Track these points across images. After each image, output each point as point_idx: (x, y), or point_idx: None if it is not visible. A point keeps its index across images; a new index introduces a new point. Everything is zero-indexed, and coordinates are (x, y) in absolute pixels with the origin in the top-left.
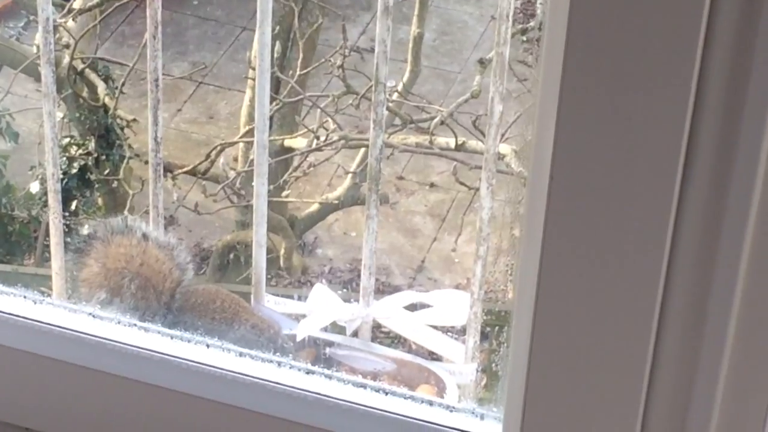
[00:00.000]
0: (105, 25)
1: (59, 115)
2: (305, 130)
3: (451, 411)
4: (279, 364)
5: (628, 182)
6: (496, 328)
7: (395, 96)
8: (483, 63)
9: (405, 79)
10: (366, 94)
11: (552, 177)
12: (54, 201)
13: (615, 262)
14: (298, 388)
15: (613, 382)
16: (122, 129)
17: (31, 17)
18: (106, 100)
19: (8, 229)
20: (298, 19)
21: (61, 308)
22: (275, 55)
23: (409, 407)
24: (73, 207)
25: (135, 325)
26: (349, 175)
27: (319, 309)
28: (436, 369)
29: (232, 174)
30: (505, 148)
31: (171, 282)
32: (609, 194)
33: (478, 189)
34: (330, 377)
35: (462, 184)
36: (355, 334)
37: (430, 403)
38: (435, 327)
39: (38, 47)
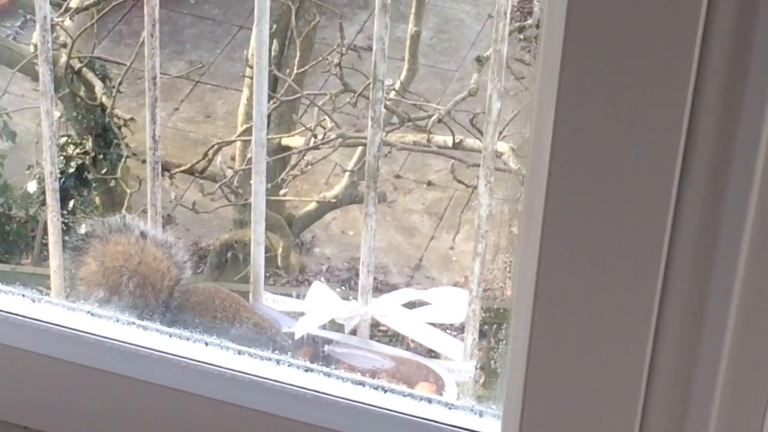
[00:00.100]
0: (102, 24)
1: (56, 114)
2: (303, 128)
3: (450, 408)
4: (278, 362)
5: (626, 179)
6: (494, 325)
7: (392, 94)
8: (480, 61)
9: (402, 77)
10: (363, 92)
11: (550, 174)
12: (52, 200)
13: (613, 259)
14: (297, 386)
15: (611, 380)
16: (119, 128)
17: (29, 16)
18: (104, 99)
19: (6, 229)
20: (295, 18)
21: (59, 306)
22: (272, 54)
23: (408, 405)
24: (70, 206)
25: (133, 323)
26: (347, 174)
27: (317, 307)
28: (435, 366)
29: (229, 173)
30: (502, 146)
31: (169, 280)
32: (607, 191)
33: (475, 187)
34: (329, 375)
35: (459, 182)
36: (353, 332)
37: (429, 401)
38: (433, 324)
39: (35, 46)
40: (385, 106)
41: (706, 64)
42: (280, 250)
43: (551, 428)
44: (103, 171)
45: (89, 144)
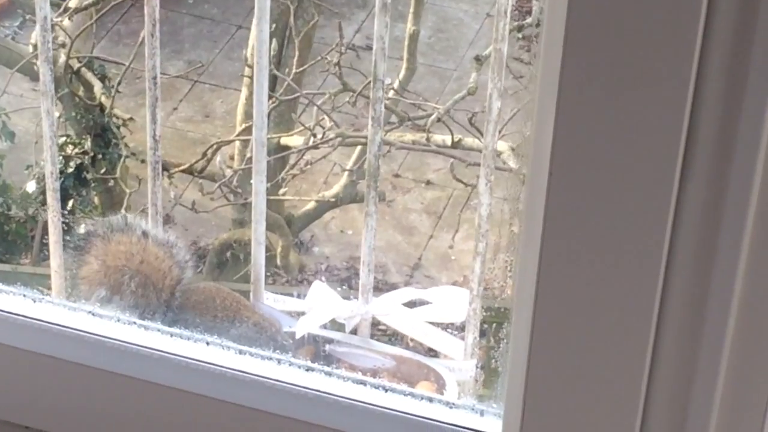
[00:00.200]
0: (100, 24)
1: (56, 114)
2: (302, 127)
3: (451, 407)
4: (279, 361)
5: (627, 178)
6: (495, 324)
7: (391, 93)
8: (479, 60)
9: (401, 76)
10: (363, 91)
11: (551, 173)
12: (53, 199)
13: (614, 258)
14: (298, 386)
15: (612, 379)
16: (118, 128)
17: (27, 16)
18: (103, 99)
19: (5, 229)
20: (294, 17)
21: (60, 306)
22: (271, 53)
23: (409, 404)
24: (69, 206)
25: (134, 323)
26: (346, 173)
27: (318, 306)
28: (436, 366)
29: (228, 172)
30: (501, 145)
31: (171, 280)
32: (608, 190)
33: (474, 186)
34: (330, 374)
35: (459, 180)
36: (354, 331)
37: (430, 400)
38: (434, 324)
39: (34, 46)
40: (385, 106)
41: (707, 62)
42: (279, 250)
43: (552, 427)
44: (102, 171)
45: (88, 144)
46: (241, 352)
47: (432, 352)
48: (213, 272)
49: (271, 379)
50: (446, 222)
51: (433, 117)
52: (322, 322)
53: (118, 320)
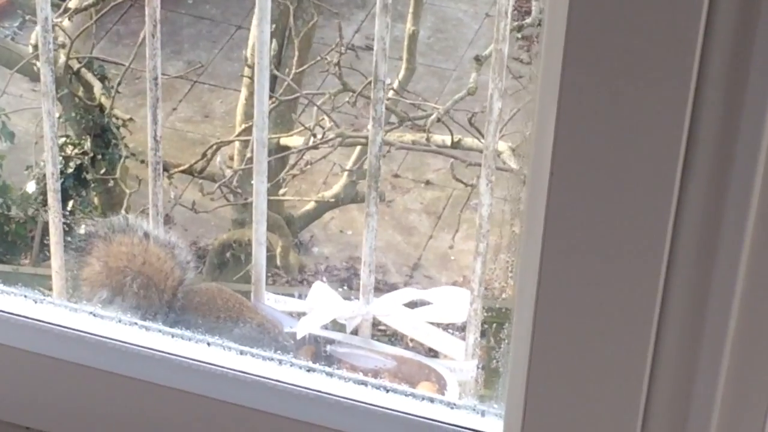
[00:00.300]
0: (100, 24)
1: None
2: (302, 128)
3: (452, 408)
4: (280, 362)
5: (628, 178)
6: (496, 324)
7: (391, 93)
8: (479, 60)
9: (400, 76)
10: (362, 91)
11: (552, 173)
12: (54, 200)
13: (615, 258)
14: (299, 386)
15: (613, 379)
16: (118, 128)
17: (27, 17)
18: (102, 99)
19: (5, 230)
20: (294, 18)
21: (61, 307)
22: (271, 53)
23: (410, 404)
24: (69, 206)
25: (136, 323)
26: (346, 173)
27: (319, 307)
28: (437, 366)
29: (228, 173)
30: (501, 146)
31: (173, 281)
32: (609, 190)
33: (474, 186)
34: (331, 375)
35: (459, 181)
36: (355, 331)
37: (431, 400)
38: (435, 324)
39: (34, 47)
40: (385, 106)
41: (708, 62)
42: (279, 250)
43: (553, 427)
44: (102, 171)
45: (88, 144)
46: (242, 352)
47: (433, 353)
48: (213, 273)
49: (272, 379)
50: (446, 222)
51: (432, 117)
52: (323, 323)
53: (120, 321)
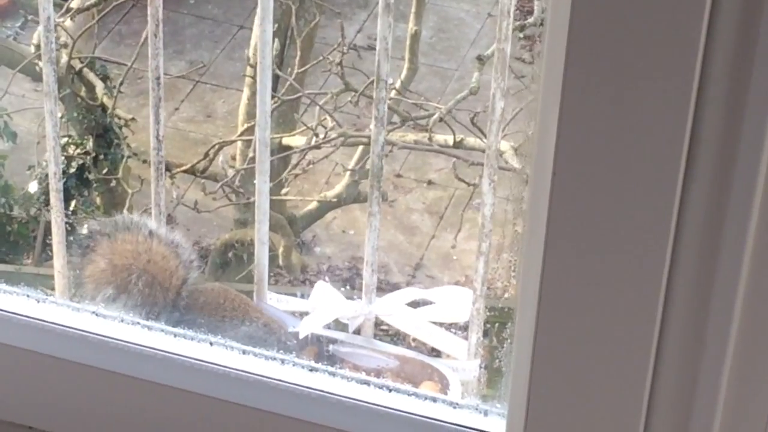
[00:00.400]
0: (102, 24)
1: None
2: (304, 127)
3: (455, 407)
4: (282, 361)
5: (630, 177)
6: (497, 324)
7: (393, 93)
8: (481, 60)
9: (402, 76)
10: (365, 91)
11: (554, 173)
12: (56, 200)
13: (618, 257)
14: (302, 386)
15: (616, 378)
16: (120, 128)
17: (29, 17)
18: (105, 99)
19: (7, 229)
20: (296, 17)
21: (64, 307)
22: (273, 53)
23: (413, 404)
24: (71, 206)
25: (138, 323)
26: (348, 173)
27: (321, 306)
28: (439, 366)
29: (231, 172)
30: (503, 145)
31: (177, 279)
32: (612, 189)
33: (476, 186)
34: (333, 374)
35: (461, 180)
36: (357, 331)
37: (434, 400)
38: (437, 324)
39: (36, 47)
40: (387, 105)
41: (710, 62)
42: (281, 250)
43: (556, 427)
44: (104, 171)
45: (90, 144)
46: (244, 352)
47: (435, 352)
48: (215, 272)
49: (274, 379)
50: (448, 222)
51: (435, 117)
52: (325, 323)
53: (122, 321)
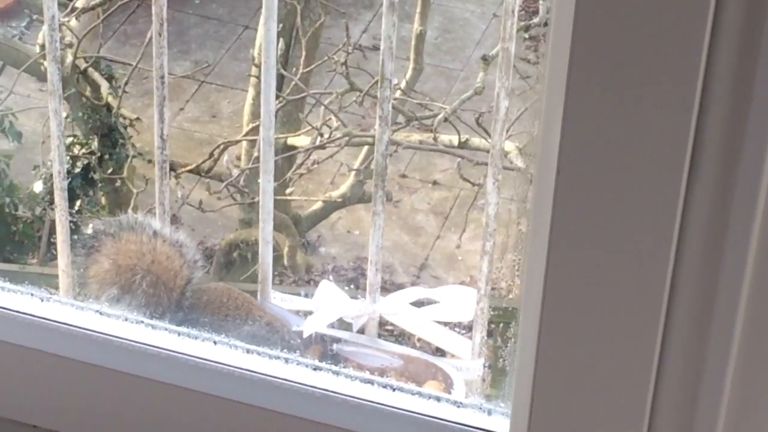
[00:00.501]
0: (107, 24)
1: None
2: (309, 127)
3: (459, 407)
4: (286, 360)
5: (634, 177)
6: (502, 324)
7: (398, 93)
8: (486, 60)
9: (407, 76)
10: (369, 91)
11: (559, 172)
12: (60, 198)
13: (622, 257)
14: (306, 385)
15: (620, 377)
16: (125, 128)
17: (35, 16)
18: (109, 99)
19: (12, 229)
20: (301, 17)
21: (68, 305)
22: (278, 53)
23: (417, 403)
24: (76, 206)
25: (142, 322)
26: (353, 173)
27: (325, 306)
28: (443, 365)
29: (236, 172)
30: (508, 145)
31: (181, 279)
32: (616, 190)
33: (481, 185)
34: (337, 373)
35: (466, 180)
36: (361, 330)
37: (438, 399)
38: (442, 323)
39: (41, 46)
40: (392, 105)
41: (715, 62)
42: (286, 250)
43: (560, 426)
44: (109, 171)
45: (95, 144)
46: (248, 351)
47: (439, 352)
48: (220, 272)
49: (278, 378)
50: (453, 222)
51: (440, 117)
52: (329, 322)
53: (126, 319)
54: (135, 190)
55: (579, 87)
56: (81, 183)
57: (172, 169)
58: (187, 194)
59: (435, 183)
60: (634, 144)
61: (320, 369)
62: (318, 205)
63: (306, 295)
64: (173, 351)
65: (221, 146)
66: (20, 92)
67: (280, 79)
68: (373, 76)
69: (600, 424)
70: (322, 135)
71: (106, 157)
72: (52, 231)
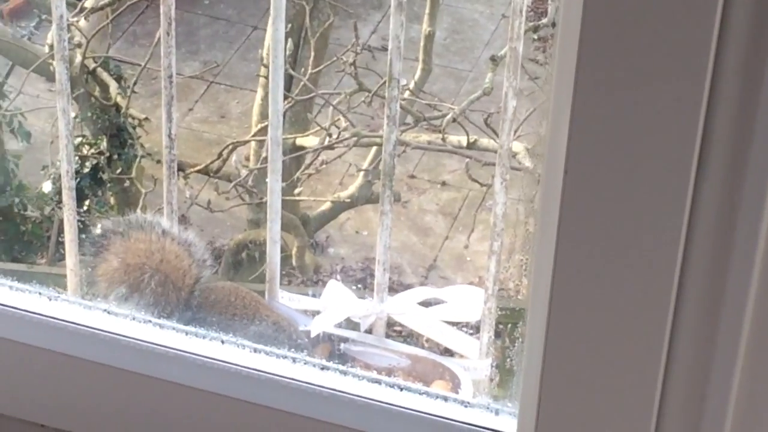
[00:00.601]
0: (116, 24)
1: (71, 114)
2: (317, 128)
3: (466, 406)
4: (294, 360)
5: (642, 177)
6: (509, 324)
7: (407, 94)
8: (495, 60)
9: (416, 77)
10: (378, 91)
11: (566, 171)
12: (68, 198)
13: (629, 257)
14: (313, 384)
15: (627, 378)
16: (134, 128)
17: (44, 16)
18: (118, 99)
19: (21, 229)
20: (310, 18)
21: (76, 305)
22: (287, 53)
23: (424, 403)
24: (85, 206)
25: (150, 321)
26: (361, 173)
27: (333, 305)
28: (451, 365)
29: (244, 172)
30: (516, 146)
31: (190, 278)
32: (623, 190)
33: (490, 186)
34: (345, 373)
35: (474, 181)
36: (369, 330)
37: (445, 399)
38: (449, 323)
39: (50, 46)
40: (400, 106)
41: (722, 61)
42: (294, 250)
43: (567, 426)
44: (118, 171)
45: (104, 144)
46: (255, 350)
47: (447, 352)
48: (228, 272)
49: (286, 377)
50: (462, 223)
51: (448, 117)
52: (337, 321)
53: (134, 318)
54: (144, 190)
55: (586, 87)
56: (90, 183)
57: (180, 169)
58: (196, 194)
59: (444, 183)
60: (642, 144)
61: (328, 369)
62: (326, 205)
63: (313, 295)
64: (181, 350)
65: (230, 146)
66: (29, 92)
67: (289, 80)
68: (382, 77)
69: (607, 424)
70: (330, 135)
71: (115, 157)
72: (61, 231)
